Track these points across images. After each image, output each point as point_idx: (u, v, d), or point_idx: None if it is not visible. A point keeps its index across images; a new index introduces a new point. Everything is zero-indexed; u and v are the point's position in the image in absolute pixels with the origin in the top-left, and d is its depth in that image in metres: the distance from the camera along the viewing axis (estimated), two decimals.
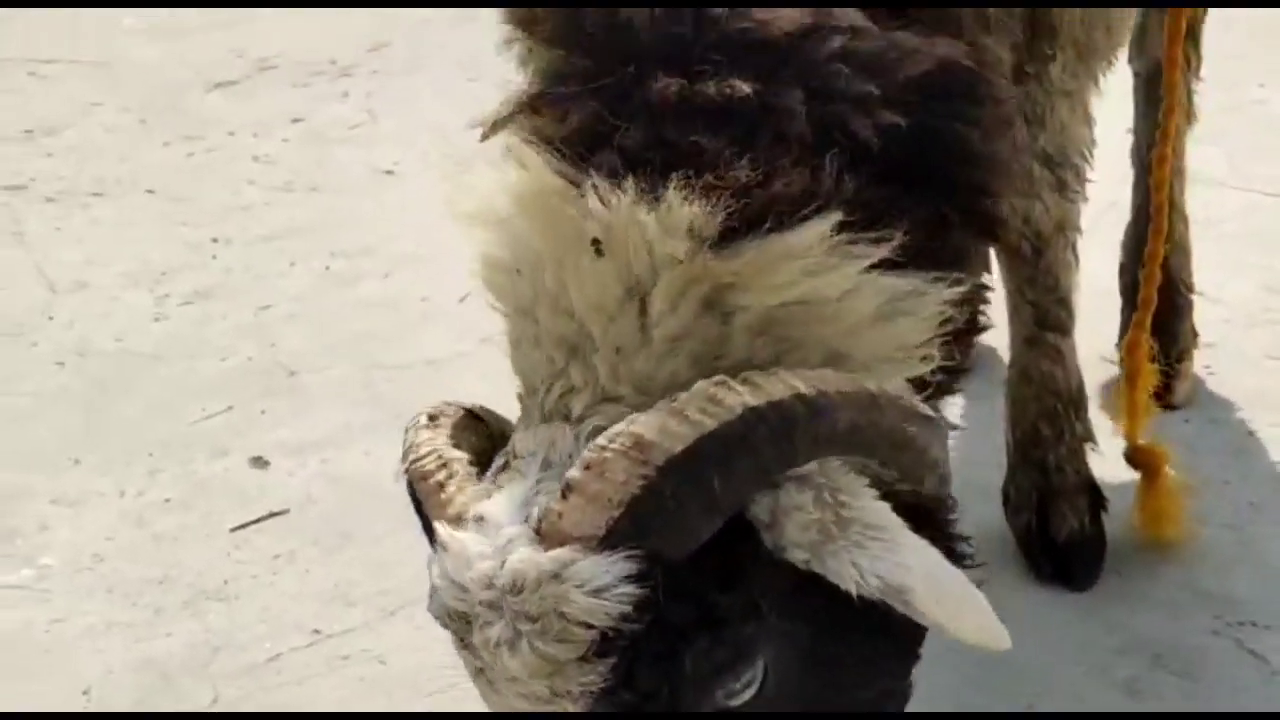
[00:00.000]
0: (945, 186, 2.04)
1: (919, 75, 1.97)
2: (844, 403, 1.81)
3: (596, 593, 1.71)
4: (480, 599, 1.76)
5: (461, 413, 2.03)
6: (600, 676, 1.76)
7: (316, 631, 3.04)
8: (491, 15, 2.27)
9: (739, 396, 1.75)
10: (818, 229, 1.84)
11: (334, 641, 3.01)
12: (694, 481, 1.74)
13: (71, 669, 3.03)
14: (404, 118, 4.91)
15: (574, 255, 1.87)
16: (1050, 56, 2.63)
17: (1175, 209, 3.23)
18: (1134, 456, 2.98)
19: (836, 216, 1.85)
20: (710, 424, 1.73)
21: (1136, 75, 3.44)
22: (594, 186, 1.84)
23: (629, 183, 1.83)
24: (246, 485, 3.42)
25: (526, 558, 1.73)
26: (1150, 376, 3.00)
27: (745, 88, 1.89)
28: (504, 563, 1.75)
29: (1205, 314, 3.55)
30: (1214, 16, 3.44)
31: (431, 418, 2.01)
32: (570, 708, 1.78)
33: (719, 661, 1.82)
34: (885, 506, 1.86)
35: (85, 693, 2.97)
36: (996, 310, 2.59)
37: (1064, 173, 2.81)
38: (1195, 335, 3.52)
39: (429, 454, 1.94)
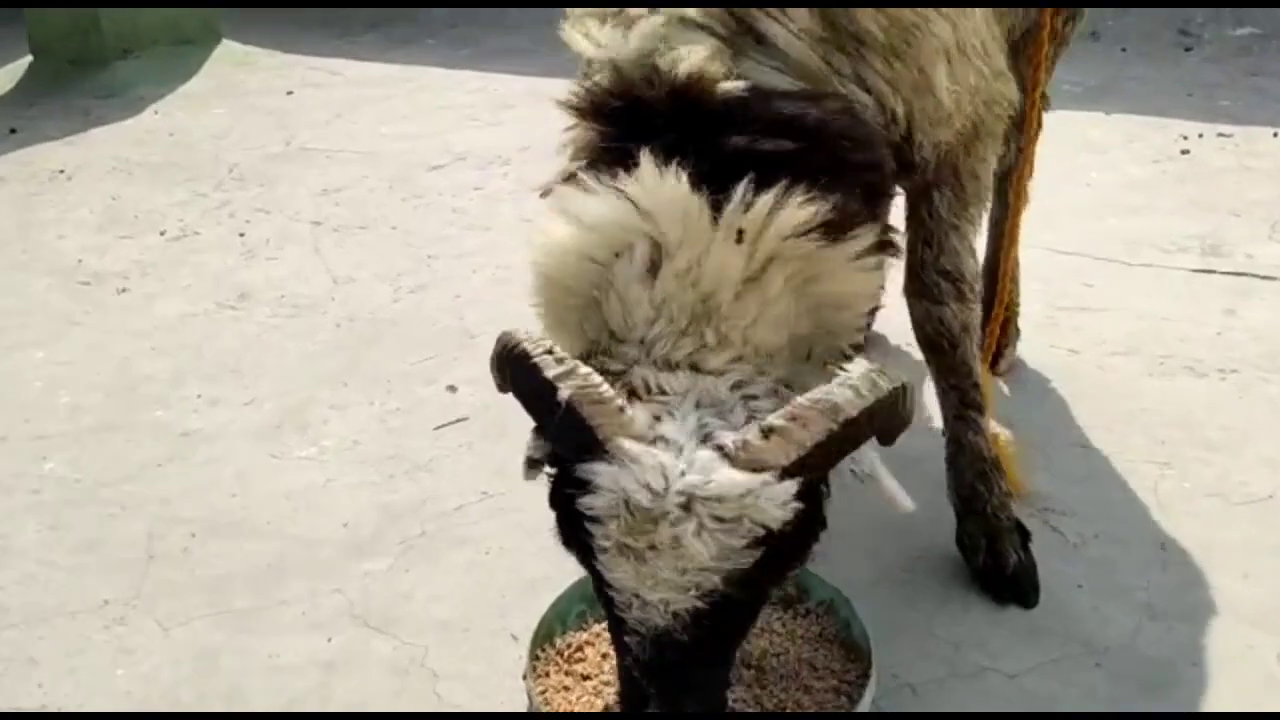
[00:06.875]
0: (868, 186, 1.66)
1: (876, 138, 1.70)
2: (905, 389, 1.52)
3: (781, 505, 1.39)
4: (676, 502, 1.38)
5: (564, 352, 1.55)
6: (751, 559, 1.42)
7: (484, 492, 2.75)
8: None
9: (889, 382, 1.47)
10: (868, 239, 1.56)
11: (496, 499, 2.72)
12: (855, 433, 1.44)
13: (338, 510, 2.75)
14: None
15: (704, 242, 1.49)
16: (939, 185, 2.10)
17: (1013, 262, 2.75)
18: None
19: (876, 229, 1.57)
20: (872, 399, 1.44)
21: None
22: (741, 196, 1.49)
23: (765, 195, 1.50)
24: (444, 401, 3.12)
25: (730, 478, 1.38)
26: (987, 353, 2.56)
27: (789, 144, 1.54)
28: (709, 480, 1.38)
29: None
30: None
31: (549, 352, 1.53)
32: (701, 584, 1.41)
33: (810, 540, 1.57)
34: None
35: (345, 525, 2.68)
36: None
37: (962, 285, 2.16)
38: (1018, 332, 3.09)
39: (596, 383, 1.46)
